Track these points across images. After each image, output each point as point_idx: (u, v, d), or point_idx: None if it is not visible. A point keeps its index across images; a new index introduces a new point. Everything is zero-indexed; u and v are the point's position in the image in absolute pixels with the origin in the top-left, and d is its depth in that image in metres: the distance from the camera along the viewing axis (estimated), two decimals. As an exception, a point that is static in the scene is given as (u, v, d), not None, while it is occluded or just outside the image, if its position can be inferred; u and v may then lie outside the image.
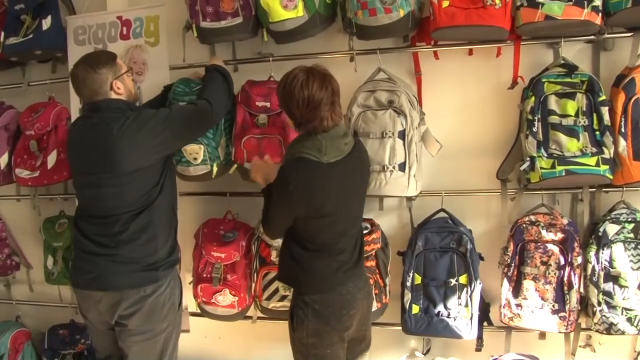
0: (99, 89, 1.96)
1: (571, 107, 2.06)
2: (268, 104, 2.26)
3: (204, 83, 2.22)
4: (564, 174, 2.02)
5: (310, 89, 1.69)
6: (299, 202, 1.73)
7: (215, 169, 2.27)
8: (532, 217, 2.18)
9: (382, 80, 2.21)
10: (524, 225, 2.17)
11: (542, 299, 2.13)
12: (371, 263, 2.26)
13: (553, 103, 2.08)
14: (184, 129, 2.06)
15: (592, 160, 2.02)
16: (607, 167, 2.02)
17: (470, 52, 2.31)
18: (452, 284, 2.19)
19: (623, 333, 2.08)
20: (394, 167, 2.11)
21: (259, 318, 2.55)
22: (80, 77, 1.96)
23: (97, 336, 2.16)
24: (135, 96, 2.11)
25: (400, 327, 2.28)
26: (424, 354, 2.51)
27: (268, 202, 1.86)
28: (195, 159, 2.22)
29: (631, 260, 2.08)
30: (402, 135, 2.12)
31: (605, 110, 2.03)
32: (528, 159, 2.08)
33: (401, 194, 2.15)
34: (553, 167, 2.03)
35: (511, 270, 2.18)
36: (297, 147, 1.75)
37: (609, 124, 2.04)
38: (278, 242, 2.31)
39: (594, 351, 2.35)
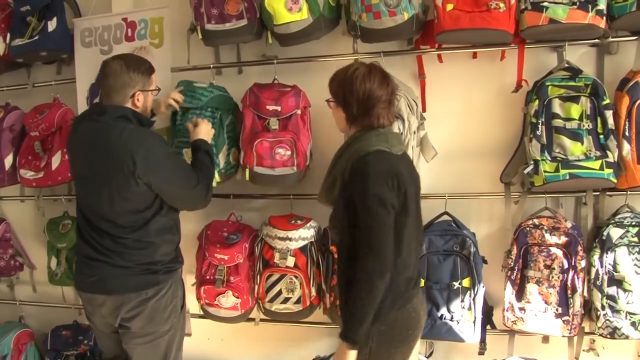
0: (120, 90, 1.93)
1: (575, 110, 2.06)
2: (279, 108, 2.26)
3: (197, 164, 2.08)
4: (567, 177, 2.02)
5: (371, 83, 1.64)
6: (398, 193, 1.59)
7: (217, 174, 2.27)
8: (536, 221, 2.18)
9: (384, 84, 2.21)
10: (528, 228, 2.17)
11: (546, 302, 2.13)
12: (374, 265, 2.26)
13: (557, 106, 2.08)
14: (173, 189, 1.97)
15: (596, 164, 2.01)
16: (611, 170, 2.02)
17: (475, 55, 2.31)
18: (455, 287, 2.19)
19: (627, 337, 2.08)
20: None
21: (261, 320, 2.56)
22: (112, 69, 1.92)
23: (102, 338, 2.16)
24: (147, 114, 2.08)
25: (403, 330, 2.28)
26: (427, 357, 2.50)
27: (372, 222, 1.57)
28: None
29: (635, 264, 2.07)
30: None
31: (609, 113, 2.03)
32: (532, 162, 2.08)
33: None
34: (557, 170, 2.03)
35: (514, 274, 2.17)
36: (363, 143, 1.64)
37: (613, 128, 2.04)
38: (282, 245, 2.33)
39: (598, 355, 2.35)
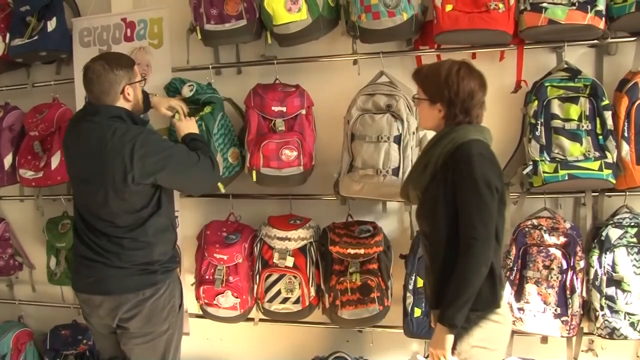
0: (109, 90, 1.91)
1: (574, 111, 2.06)
2: (284, 109, 2.27)
3: (192, 147, 2.05)
4: (566, 178, 2.02)
5: (474, 83, 1.64)
6: (499, 177, 1.60)
7: (220, 186, 2.28)
8: (535, 221, 2.18)
9: (382, 84, 2.21)
10: (527, 229, 2.17)
11: (545, 303, 2.12)
12: (373, 266, 2.26)
13: (556, 107, 2.08)
14: (180, 175, 1.97)
15: (595, 165, 2.01)
16: (610, 171, 2.02)
17: (474, 55, 2.30)
18: (454, 287, 2.18)
19: (626, 338, 2.08)
20: (387, 172, 2.09)
21: (260, 320, 2.56)
22: (95, 72, 1.90)
23: (99, 339, 2.16)
24: (140, 107, 2.07)
25: (402, 330, 2.28)
26: (426, 357, 2.51)
27: (478, 204, 1.55)
28: None
29: (634, 265, 2.07)
30: (398, 140, 2.11)
31: (608, 114, 2.03)
32: (531, 163, 2.08)
33: (393, 199, 2.14)
34: (556, 171, 2.03)
35: (513, 274, 2.17)
36: (459, 133, 1.63)
37: (612, 129, 2.04)
38: (281, 245, 2.33)
39: (597, 356, 2.34)
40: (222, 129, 2.34)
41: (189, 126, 2.16)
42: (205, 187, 2.17)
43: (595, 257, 2.11)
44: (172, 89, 2.37)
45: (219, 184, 2.28)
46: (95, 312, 2.02)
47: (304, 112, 2.30)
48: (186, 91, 2.32)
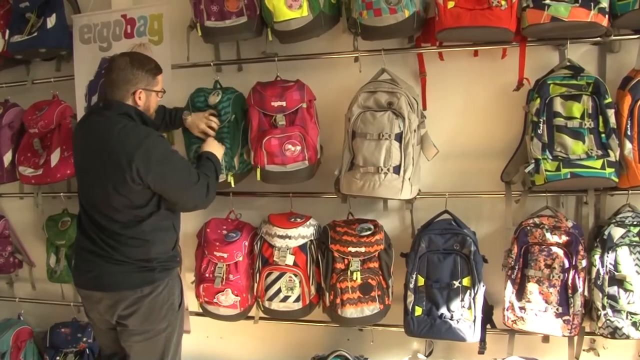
0: (121, 86, 1.93)
1: (577, 109, 2.05)
2: (284, 103, 2.26)
3: (199, 166, 2.10)
4: (569, 176, 2.01)
5: None
6: None
7: (231, 179, 2.29)
8: (537, 220, 2.17)
9: (384, 82, 2.20)
10: (528, 227, 2.16)
11: (546, 302, 2.12)
12: (374, 264, 2.25)
13: (558, 105, 2.07)
14: (173, 189, 1.96)
15: (598, 163, 2.00)
16: (613, 170, 2.00)
17: (476, 53, 2.30)
18: (455, 286, 2.18)
19: (628, 337, 2.06)
20: (388, 170, 2.09)
21: (261, 318, 2.55)
22: (116, 64, 1.94)
23: (100, 335, 2.17)
24: (151, 115, 2.06)
25: (402, 329, 2.27)
26: (427, 356, 2.50)
27: None
28: None
29: (636, 264, 2.06)
30: (399, 137, 2.10)
31: (611, 112, 2.02)
32: (533, 161, 2.07)
33: (394, 197, 2.13)
34: (558, 169, 2.02)
35: (515, 273, 2.16)
36: None
37: (615, 127, 2.02)
38: (281, 243, 2.32)
39: (598, 355, 2.34)
40: (241, 123, 2.35)
41: (213, 146, 2.19)
42: (190, 209, 2.13)
43: (597, 256, 2.09)
44: (200, 100, 2.35)
45: (230, 178, 2.28)
46: (95, 308, 2.03)
47: (304, 105, 2.28)
48: (213, 99, 2.31)
